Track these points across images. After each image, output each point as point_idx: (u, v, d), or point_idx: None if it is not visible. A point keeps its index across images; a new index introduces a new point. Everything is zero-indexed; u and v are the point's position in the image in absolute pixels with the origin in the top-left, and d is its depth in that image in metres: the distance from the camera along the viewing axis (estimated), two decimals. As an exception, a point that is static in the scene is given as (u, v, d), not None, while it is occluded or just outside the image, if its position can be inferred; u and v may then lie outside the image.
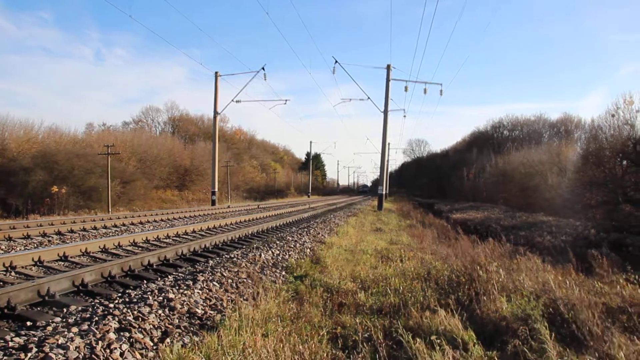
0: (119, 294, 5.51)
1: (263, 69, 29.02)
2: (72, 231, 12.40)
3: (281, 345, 3.92)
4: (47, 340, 3.54)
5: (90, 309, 4.58)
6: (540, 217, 24.10)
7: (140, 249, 9.92)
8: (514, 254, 9.49)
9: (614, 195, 20.64)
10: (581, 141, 40.48)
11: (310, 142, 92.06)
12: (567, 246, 11.70)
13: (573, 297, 4.99)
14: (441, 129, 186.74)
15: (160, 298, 4.95)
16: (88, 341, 3.59)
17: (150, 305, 4.61)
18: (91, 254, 8.80)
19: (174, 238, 11.65)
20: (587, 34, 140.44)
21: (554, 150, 34.93)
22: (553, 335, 4.18)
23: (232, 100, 30.96)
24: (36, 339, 3.65)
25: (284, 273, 7.41)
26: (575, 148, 33.42)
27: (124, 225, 14.57)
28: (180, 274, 6.69)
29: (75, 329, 3.83)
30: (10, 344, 3.57)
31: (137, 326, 4.06)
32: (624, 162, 22.39)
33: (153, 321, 4.27)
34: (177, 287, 5.50)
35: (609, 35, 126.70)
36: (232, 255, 8.34)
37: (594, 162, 23.30)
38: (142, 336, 3.92)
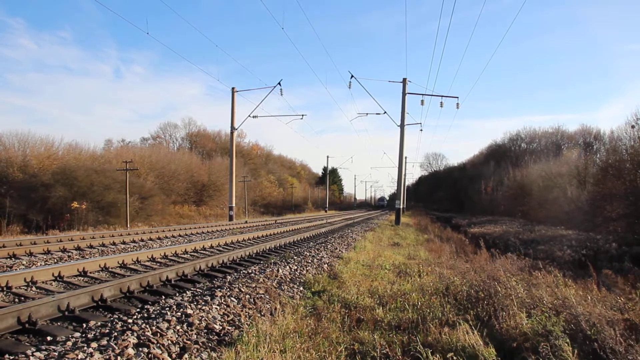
0: (138, 310, 5.56)
1: (279, 84, 29.14)
2: (91, 246, 12.58)
3: (299, 362, 3.90)
4: (67, 355, 3.58)
5: (109, 324, 4.62)
6: (559, 230, 23.70)
7: (158, 264, 9.99)
8: (533, 268, 9.34)
9: (635, 208, 20.23)
10: (600, 153, 39.96)
11: (327, 157, 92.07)
12: (588, 260, 11.48)
13: (595, 313, 4.88)
14: (458, 142, 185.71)
15: (179, 314, 4.97)
16: (107, 356, 3.62)
17: (169, 321, 4.64)
18: (110, 270, 8.90)
19: (192, 253, 11.72)
20: (600, 45, 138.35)
21: (573, 162, 34.52)
22: (575, 352, 4.09)
23: (249, 116, 31.19)
24: (56, 353, 3.70)
25: (301, 288, 7.38)
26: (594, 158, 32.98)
27: (142, 240, 14.73)
28: (198, 290, 6.71)
29: (94, 344, 3.86)
30: (32, 358, 3.63)
31: (155, 342, 4.08)
32: (645, 174, 21.98)
33: (171, 337, 4.28)
34: (195, 303, 5.51)
35: (623, 45, 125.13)
36: (250, 271, 8.36)
37: (614, 174, 22.94)
38: (160, 352, 3.94)
